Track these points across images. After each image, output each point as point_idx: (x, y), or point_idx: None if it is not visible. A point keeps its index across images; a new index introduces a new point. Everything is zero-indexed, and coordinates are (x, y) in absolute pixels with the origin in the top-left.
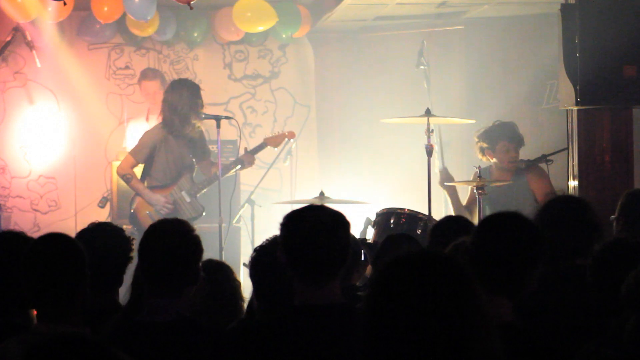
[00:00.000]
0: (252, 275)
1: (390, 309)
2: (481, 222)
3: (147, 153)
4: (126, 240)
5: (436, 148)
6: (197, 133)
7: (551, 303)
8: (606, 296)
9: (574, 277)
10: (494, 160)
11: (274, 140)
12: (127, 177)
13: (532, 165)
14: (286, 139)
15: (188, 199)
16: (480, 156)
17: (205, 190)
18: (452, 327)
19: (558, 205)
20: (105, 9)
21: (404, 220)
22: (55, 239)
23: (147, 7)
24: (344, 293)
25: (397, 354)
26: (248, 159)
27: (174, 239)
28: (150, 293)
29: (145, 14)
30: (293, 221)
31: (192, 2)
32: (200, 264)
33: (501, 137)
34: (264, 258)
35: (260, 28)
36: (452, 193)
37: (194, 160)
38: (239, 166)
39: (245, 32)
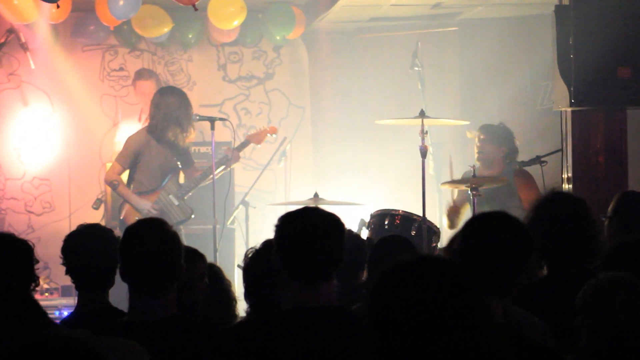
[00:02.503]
0: (244, 276)
1: (394, 314)
2: (467, 222)
3: (132, 158)
4: (116, 241)
5: (430, 149)
6: (186, 142)
7: (559, 308)
8: None
9: (583, 282)
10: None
11: (256, 137)
12: (114, 184)
13: (521, 169)
14: (268, 134)
15: (176, 202)
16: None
17: (191, 192)
18: (458, 330)
19: (560, 206)
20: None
21: (398, 221)
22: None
23: (131, 7)
24: (351, 292)
25: (404, 356)
26: (234, 155)
27: (152, 239)
28: (136, 294)
29: (127, 12)
30: (287, 223)
31: (196, 3)
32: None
33: (482, 129)
34: (255, 261)
35: (235, 23)
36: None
37: (179, 163)
38: (222, 166)
39: (239, 34)
